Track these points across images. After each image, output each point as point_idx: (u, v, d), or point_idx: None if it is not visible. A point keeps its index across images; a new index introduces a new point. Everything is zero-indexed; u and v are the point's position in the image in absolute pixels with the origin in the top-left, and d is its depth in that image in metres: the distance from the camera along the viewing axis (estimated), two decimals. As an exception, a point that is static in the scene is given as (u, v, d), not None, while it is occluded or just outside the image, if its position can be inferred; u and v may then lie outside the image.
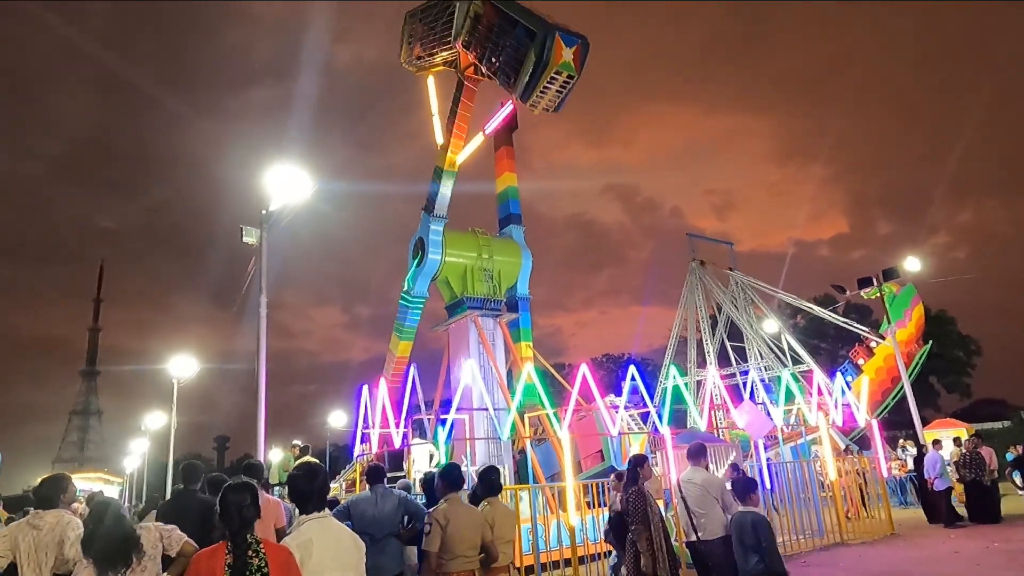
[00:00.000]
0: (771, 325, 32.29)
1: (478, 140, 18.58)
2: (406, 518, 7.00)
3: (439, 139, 18.57)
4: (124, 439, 50.00)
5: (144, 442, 40.56)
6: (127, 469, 48.75)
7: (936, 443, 15.18)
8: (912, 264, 22.60)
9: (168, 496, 14.47)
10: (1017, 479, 11.04)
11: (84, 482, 44.09)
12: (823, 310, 31.16)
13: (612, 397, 17.25)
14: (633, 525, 6.09)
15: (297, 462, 17.59)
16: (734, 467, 10.37)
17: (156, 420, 34.83)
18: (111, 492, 43.30)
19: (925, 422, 24.24)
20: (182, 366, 24.84)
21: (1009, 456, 17.88)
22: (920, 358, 25.16)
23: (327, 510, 3.54)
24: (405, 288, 18.37)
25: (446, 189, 17.39)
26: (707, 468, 7.00)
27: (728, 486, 6.39)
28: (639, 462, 6.63)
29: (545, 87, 13.98)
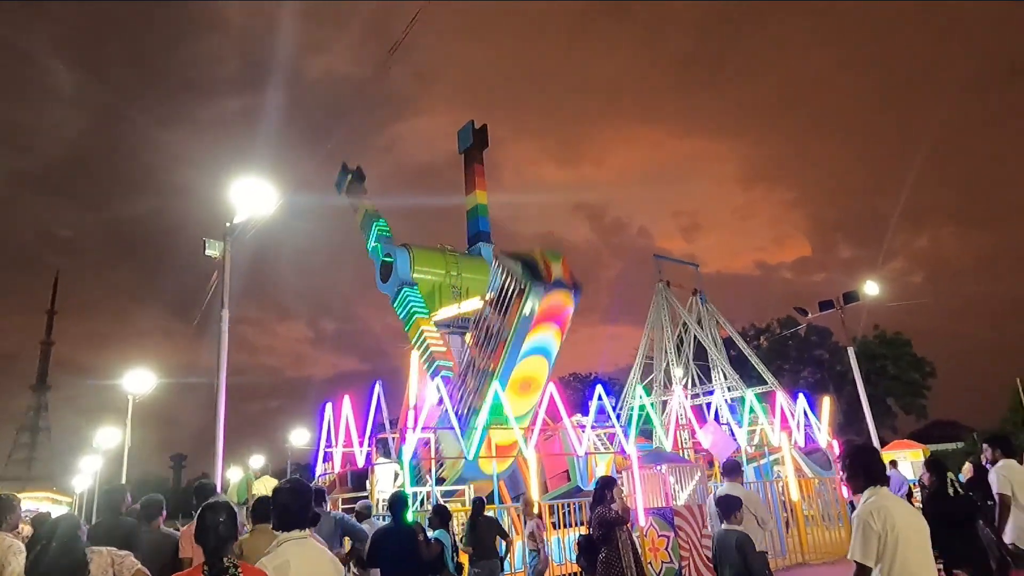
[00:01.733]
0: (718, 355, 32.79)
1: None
2: (345, 539, 6.93)
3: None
4: (74, 457, 48.24)
5: (96, 460, 39.16)
6: (76, 488, 46.99)
7: (892, 463, 15.49)
8: (871, 288, 23.21)
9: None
10: (972, 499, 11.33)
11: (31, 501, 42.35)
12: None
13: (579, 417, 17.25)
14: (603, 548, 6.03)
15: (258, 481, 17.11)
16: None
17: (109, 437, 33.64)
18: (59, 512, 41.55)
19: (883, 443, 24.76)
20: (138, 381, 24.08)
21: (961, 477, 18.31)
22: None
23: (309, 530, 3.43)
24: (396, 284, 17.71)
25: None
26: (742, 483, 6.97)
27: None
28: (607, 484, 6.55)
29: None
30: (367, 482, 12.27)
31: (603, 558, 6.03)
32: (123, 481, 23.56)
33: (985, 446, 6.70)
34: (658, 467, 13.14)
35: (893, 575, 3.28)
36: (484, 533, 7.92)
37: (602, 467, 14.03)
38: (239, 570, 2.95)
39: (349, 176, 19.55)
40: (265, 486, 17.69)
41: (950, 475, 6.06)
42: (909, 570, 3.29)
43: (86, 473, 42.82)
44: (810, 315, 25.25)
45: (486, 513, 8.48)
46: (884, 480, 3.59)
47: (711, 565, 12.00)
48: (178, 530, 6.08)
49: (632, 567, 5.97)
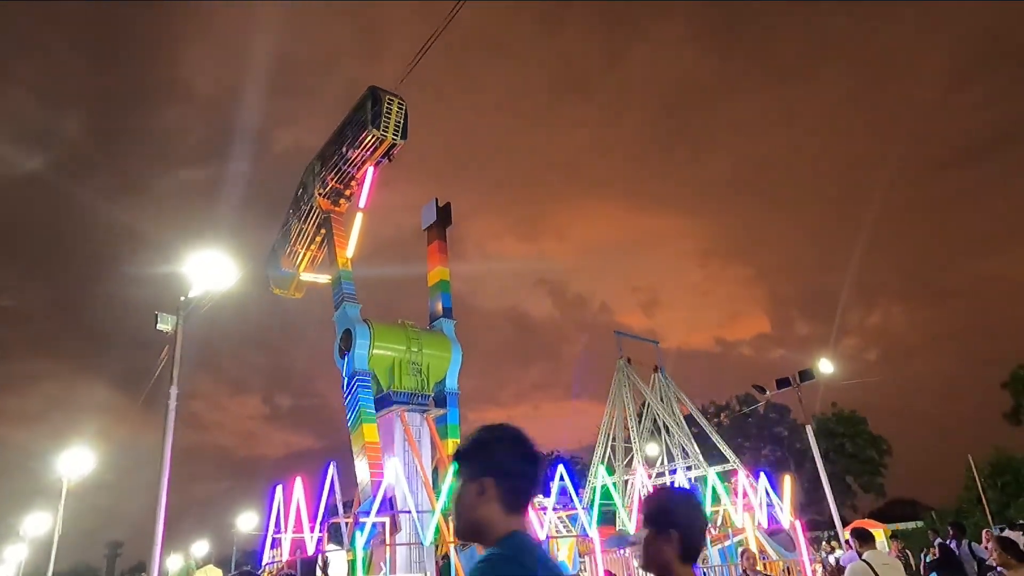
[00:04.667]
0: (682, 430, 32.77)
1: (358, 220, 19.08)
2: None
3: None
4: (-4, 546, 44.58)
5: (21, 549, 36.23)
6: (-3, 581, 43.24)
7: (848, 543, 15.39)
8: (825, 366, 23.66)
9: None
10: (935, 585, 11.29)
11: (-57, 597, 38.57)
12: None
13: (540, 498, 16.81)
14: None
15: (199, 571, 16.03)
16: None
17: (38, 524, 31.25)
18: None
19: (845, 522, 24.64)
20: (74, 461, 22.65)
21: (927, 559, 18.26)
22: None
23: None
24: (348, 372, 17.55)
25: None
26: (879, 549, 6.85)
27: None
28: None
29: (387, 111, 17.67)
30: (316, 571, 11.60)
31: None
32: (50, 573, 21.84)
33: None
34: (621, 551, 12.80)
35: None
36: None
37: (564, 551, 13.59)
38: None
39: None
40: (207, 576, 16.59)
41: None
42: None
43: (9, 563, 39.56)
44: (768, 393, 25.50)
45: None
46: None
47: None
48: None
49: None
